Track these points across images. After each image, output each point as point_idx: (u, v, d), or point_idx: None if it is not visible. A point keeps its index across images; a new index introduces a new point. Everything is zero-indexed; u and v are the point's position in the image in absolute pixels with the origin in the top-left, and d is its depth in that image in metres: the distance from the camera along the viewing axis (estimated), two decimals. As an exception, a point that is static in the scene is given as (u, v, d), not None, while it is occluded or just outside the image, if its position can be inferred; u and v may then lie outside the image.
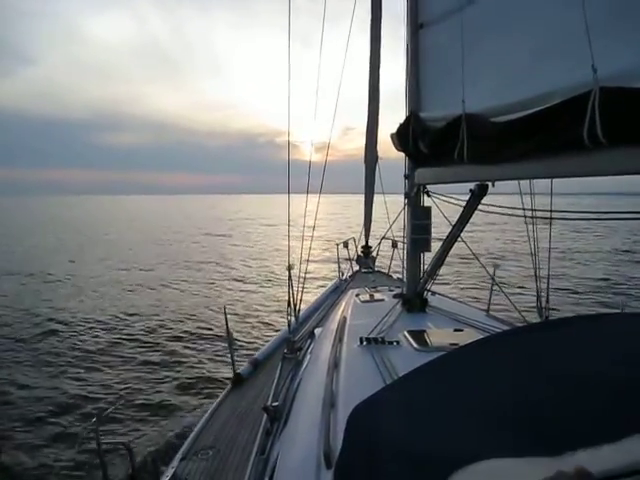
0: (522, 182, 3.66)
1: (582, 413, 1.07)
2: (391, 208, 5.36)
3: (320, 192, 5.66)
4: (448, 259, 4.18)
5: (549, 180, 3.44)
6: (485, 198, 3.56)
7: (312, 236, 5.46)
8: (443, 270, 4.29)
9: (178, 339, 11.68)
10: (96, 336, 11.98)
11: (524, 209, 3.51)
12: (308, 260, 5.53)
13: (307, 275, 5.58)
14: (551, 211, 3.22)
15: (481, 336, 3.11)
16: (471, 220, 3.80)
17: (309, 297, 7.19)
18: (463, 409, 1.23)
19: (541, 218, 3.42)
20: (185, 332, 12.22)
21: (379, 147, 6.26)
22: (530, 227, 4.11)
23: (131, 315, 14.11)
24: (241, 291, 17.63)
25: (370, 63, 6.05)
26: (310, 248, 5.46)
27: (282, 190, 5.39)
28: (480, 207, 3.59)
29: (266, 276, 20.26)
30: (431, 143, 3.41)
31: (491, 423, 1.13)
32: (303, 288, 5.34)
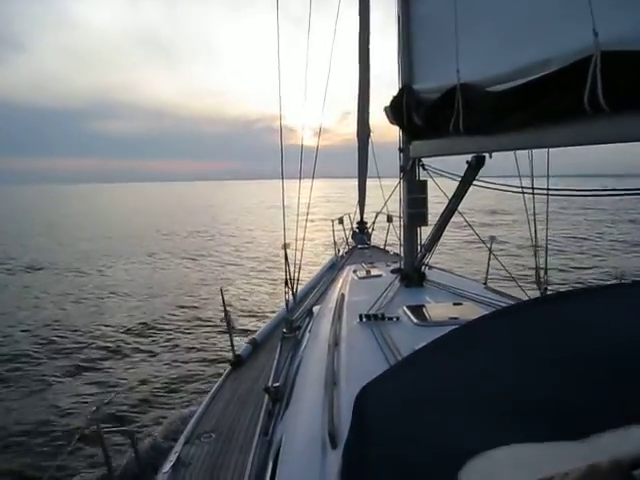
0: (521, 166, 3.62)
1: (601, 393, 1.03)
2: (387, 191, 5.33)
3: (313, 176, 5.63)
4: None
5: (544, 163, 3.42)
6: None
7: (307, 215, 5.42)
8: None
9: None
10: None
11: (522, 187, 3.47)
12: (304, 239, 5.50)
13: (304, 253, 5.55)
14: (548, 189, 3.18)
15: (480, 309, 3.09)
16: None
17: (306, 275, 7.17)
18: (474, 392, 1.20)
19: (539, 195, 3.38)
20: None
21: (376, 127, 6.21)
22: (529, 201, 4.07)
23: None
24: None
25: (360, 34, 5.95)
26: (305, 227, 5.41)
27: (288, 175, 5.37)
28: (478, 183, 3.54)
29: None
30: (425, 115, 3.35)
31: (506, 406, 1.10)
32: (300, 266, 5.31)
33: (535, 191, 3.40)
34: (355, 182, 7.81)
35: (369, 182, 7.82)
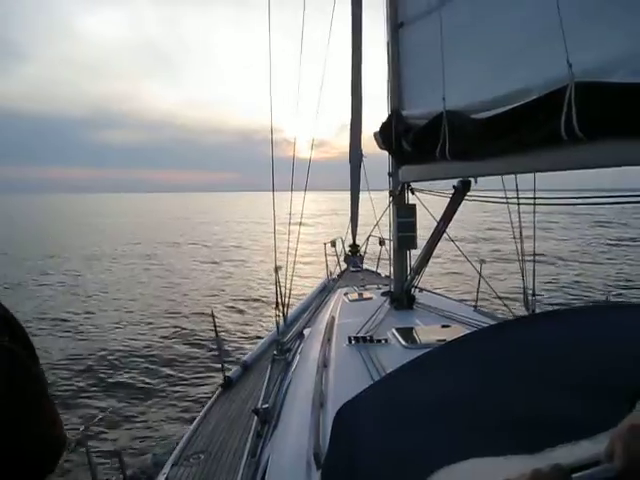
0: (506, 179, 3.68)
1: (566, 410, 1.07)
2: (379, 205, 5.36)
3: (305, 189, 5.64)
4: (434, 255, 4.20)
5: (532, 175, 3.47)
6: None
7: (298, 237, 5.45)
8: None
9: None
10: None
11: (507, 198, 3.53)
12: (295, 260, 5.52)
13: (295, 274, 5.57)
14: (535, 198, 3.24)
15: (468, 332, 3.12)
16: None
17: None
18: (445, 408, 1.23)
19: (525, 205, 3.43)
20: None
21: (368, 143, 6.27)
22: (515, 214, 4.11)
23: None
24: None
25: (352, 60, 6.06)
26: (296, 248, 5.44)
27: (283, 187, 5.41)
28: (465, 197, 3.59)
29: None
30: (414, 141, 3.42)
31: (473, 422, 1.13)
32: (291, 289, 5.33)
33: (521, 201, 3.45)
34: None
35: (362, 196, 7.86)
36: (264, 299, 15.09)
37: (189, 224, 50.42)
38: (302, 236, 5.81)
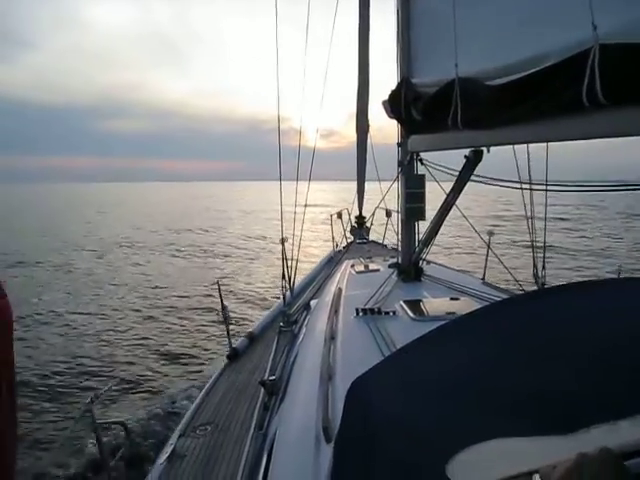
0: (518, 152, 3.60)
1: (590, 387, 1.03)
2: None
3: (310, 178, 5.59)
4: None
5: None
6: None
7: (305, 210, 5.43)
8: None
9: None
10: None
11: (520, 182, 3.45)
12: (301, 234, 5.50)
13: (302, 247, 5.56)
14: (547, 184, 3.17)
15: (477, 304, 3.09)
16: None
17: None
18: (465, 384, 1.19)
19: (537, 190, 3.37)
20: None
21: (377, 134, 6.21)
22: (526, 195, 4.07)
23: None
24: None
25: (359, 28, 5.90)
26: (303, 222, 5.42)
27: (292, 177, 5.42)
28: (475, 178, 3.52)
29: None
30: (424, 109, 3.32)
31: (492, 399, 1.09)
32: (297, 260, 5.31)
33: (533, 186, 3.38)
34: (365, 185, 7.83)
35: (369, 185, 7.82)
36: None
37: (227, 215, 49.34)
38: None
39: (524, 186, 3.43)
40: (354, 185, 7.27)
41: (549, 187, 3.11)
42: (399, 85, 3.79)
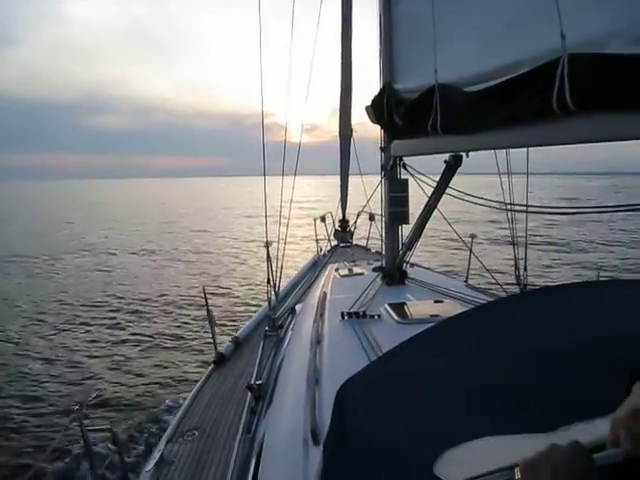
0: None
1: (572, 387, 1.07)
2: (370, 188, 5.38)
3: (295, 173, 5.63)
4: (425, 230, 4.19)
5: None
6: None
7: (289, 213, 5.44)
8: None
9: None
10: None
11: (502, 202, 3.53)
12: (286, 237, 5.51)
13: (286, 251, 5.57)
14: (527, 205, 3.23)
15: (461, 307, 3.13)
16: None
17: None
18: (450, 386, 1.23)
19: (518, 212, 3.43)
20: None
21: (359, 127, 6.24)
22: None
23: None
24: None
25: (342, 32, 5.95)
26: (288, 225, 5.44)
27: (276, 172, 5.42)
28: (458, 195, 3.58)
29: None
30: (405, 114, 3.37)
31: (478, 401, 1.13)
32: (282, 265, 5.32)
33: (514, 207, 3.44)
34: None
35: (352, 179, 7.86)
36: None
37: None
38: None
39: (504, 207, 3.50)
40: (338, 180, 7.29)
41: (530, 209, 3.17)
42: (381, 91, 3.83)
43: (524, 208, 3.26)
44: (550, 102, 1.85)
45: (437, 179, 3.70)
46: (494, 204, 3.40)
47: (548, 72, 1.86)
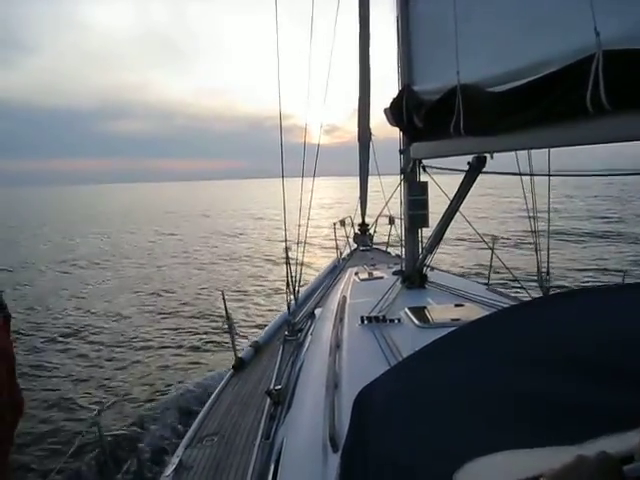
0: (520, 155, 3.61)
1: (599, 398, 1.02)
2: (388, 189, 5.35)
3: (314, 174, 5.61)
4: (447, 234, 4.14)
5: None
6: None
7: (308, 218, 5.42)
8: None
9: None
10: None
11: (521, 174, 3.46)
12: (305, 240, 5.48)
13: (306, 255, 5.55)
14: (549, 175, 3.17)
15: (482, 311, 3.08)
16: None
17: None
18: (473, 393, 1.19)
19: (539, 175, 3.36)
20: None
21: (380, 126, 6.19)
22: (529, 199, 4.08)
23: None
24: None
25: (360, 36, 5.94)
26: (307, 228, 5.41)
27: (296, 174, 5.41)
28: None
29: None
30: (426, 116, 3.33)
31: (500, 410, 1.09)
32: (302, 269, 5.30)
33: (535, 173, 3.38)
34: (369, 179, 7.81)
35: (371, 179, 7.82)
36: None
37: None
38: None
39: (525, 172, 3.44)
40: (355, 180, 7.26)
41: (552, 174, 3.11)
42: (400, 93, 3.80)
43: (546, 172, 3.19)
44: (584, 101, 1.79)
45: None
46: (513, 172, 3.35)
47: (581, 70, 1.81)
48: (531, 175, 3.51)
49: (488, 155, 3.22)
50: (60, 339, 11.05)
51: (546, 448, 0.89)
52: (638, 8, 1.76)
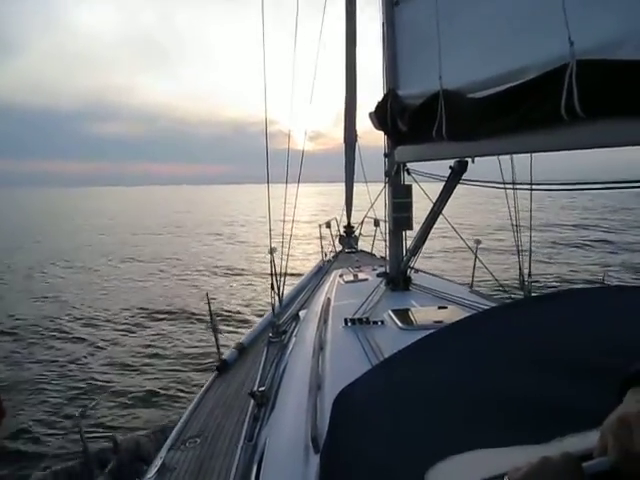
0: (502, 158, 3.65)
1: (570, 397, 1.05)
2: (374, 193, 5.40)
3: (299, 180, 5.64)
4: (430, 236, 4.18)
5: (528, 155, 3.44)
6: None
7: (293, 220, 5.44)
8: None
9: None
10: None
11: (504, 182, 3.50)
12: (289, 244, 5.50)
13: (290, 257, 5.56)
14: (531, 183, 3.21)
15: (465, 313, 3.11)
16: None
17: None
18: (450, 394, 1.22)
19: (521, 190, 3.41)
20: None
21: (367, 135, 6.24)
22: (511, 201, 4.13)
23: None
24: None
25: (346, 40, 5.97)
26: (292, 230, 5.43)
27: (280, 179, 5.45)
28: (461, 180, 3.56)
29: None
30: (409, 121, 3.37)
31: (476, 409, 1.12)
32: (286, 271, 5.31)
33: (517, 186, 3.42)
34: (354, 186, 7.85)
35: (357, 186, 7.86)
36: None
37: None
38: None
39: (508, 186, 3.48)
40: (339, 188, 7.31)
41: (534, 186, 3.15)
42: (385, 97, 3.83)
43: (528, 187, 3.22)
44: (558, 108, 1.84)
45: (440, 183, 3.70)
46: (499, 185, 3.38)
47: (556, 78, 1.86)
48: (514, 188, 3.55)
49: (469, 160, 3.27)
50: (45, 339, 10.97)
51: (514, 447, 0.92)
52: (610, 19, 1.81)
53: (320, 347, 2.80)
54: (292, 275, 6.71)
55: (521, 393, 1.13)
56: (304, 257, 18.57)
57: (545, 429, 0.94)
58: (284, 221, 5.43)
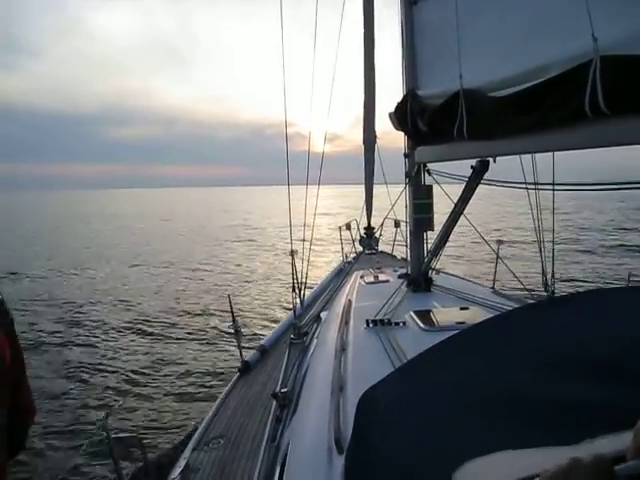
0: (524, 157, 3.61)
1: (600, 398, 1.04)
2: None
3: (319, 182, 5.63)
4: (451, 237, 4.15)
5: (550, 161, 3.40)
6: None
7: (314, 221, 5.45)
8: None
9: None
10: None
11: (526, 182, 3.46)
12: (310, 245, 5.52)
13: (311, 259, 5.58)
14: (554, 184, 3.17)
15: (487, 314, 3.08)
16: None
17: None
18: (475, 395, 1.20)
19: (543, 190, 3.37)
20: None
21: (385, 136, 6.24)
22: (533, 201, 4.09)
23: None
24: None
25: (364, 41, 5.96)
26: (312, 233, 5.44)
27: (297, 181, 5.44)
28: (483, 181, 3.54)
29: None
30: (430, 121, 3.35)
31: (502, 411, 1.10)
32: (307, 272, 5.32)
33: (539, 186, 3.38)
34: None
35: (377, 187, 7.84)
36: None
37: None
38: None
39: (530, 186, 3.44)
40: (355, 189, 7.30)
41: (556, 187, 3.11)
42: (405, 97, 3.82)
43: (550, 187, 3.18)
44: (582, 105, 1.82)
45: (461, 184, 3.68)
46: (520, 186, 3.35)
47: (580, 75, 1.84)
48: (536, 188, 3.50)
49: (491, 159, 3.24)
50: (78, 334, 11.14)
51: (542, 448, 0.91)
52: (635, 14, 1.78)
53: (342, 348, 2.81)
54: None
55: (547, 394, 1.12)
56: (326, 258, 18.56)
57: (574, 430, 0.92)
58: (305, 225, 5.44)
